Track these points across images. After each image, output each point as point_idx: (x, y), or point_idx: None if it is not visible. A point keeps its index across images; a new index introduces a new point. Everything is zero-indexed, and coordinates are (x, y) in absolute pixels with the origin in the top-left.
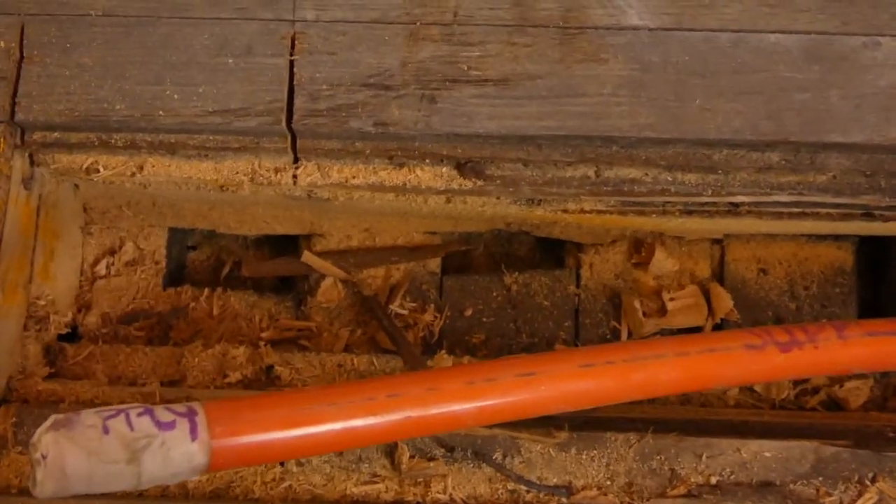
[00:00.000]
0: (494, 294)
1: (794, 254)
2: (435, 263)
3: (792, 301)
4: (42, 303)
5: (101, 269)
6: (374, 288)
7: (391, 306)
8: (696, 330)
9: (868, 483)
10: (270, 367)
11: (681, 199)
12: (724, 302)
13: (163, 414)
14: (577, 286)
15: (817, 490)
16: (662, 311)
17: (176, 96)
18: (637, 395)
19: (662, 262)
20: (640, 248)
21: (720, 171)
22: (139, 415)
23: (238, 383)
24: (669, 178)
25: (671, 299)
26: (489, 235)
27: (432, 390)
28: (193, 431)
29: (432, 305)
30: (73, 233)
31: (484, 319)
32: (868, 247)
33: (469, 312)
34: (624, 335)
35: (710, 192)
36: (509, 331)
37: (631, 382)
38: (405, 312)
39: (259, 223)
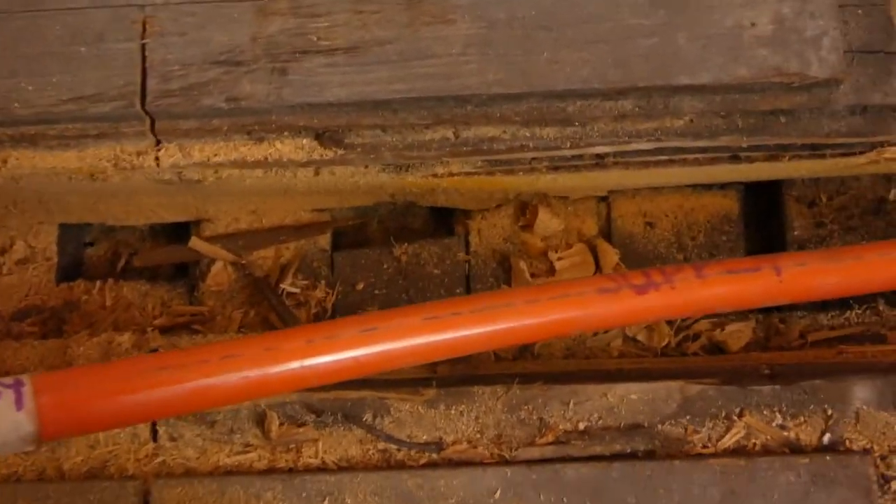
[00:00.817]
0: (385, 266)
1: (679, 205)
2: (325, 240)
3: (679, 252)
4: None
5: None
6: (265, 269)
7: (283, 285)
8: None
9: (735, 418)
10: (155, 351)
11: (543, 153)
12: (611, 257)
13: None
14: (467, 253)
15: (685, 429)
16: (551, 270)
17: (31, 87)
18: (488, 346)
19: (547, 222)
20: (526, 211)
21: (577, 123)
22: None
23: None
24: (528, 134)
25: (559, 259)
26: (384, 210)
27: (270, 350)
28: (19, 401)
29: (323, 282)
30: None
31: (376, 292)
32: (754, 194)
33: (361, 286)
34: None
35: (569, 144)
36: (401, 301)
37: (480, 333)
38: (297, 291)
39: (146, 212)
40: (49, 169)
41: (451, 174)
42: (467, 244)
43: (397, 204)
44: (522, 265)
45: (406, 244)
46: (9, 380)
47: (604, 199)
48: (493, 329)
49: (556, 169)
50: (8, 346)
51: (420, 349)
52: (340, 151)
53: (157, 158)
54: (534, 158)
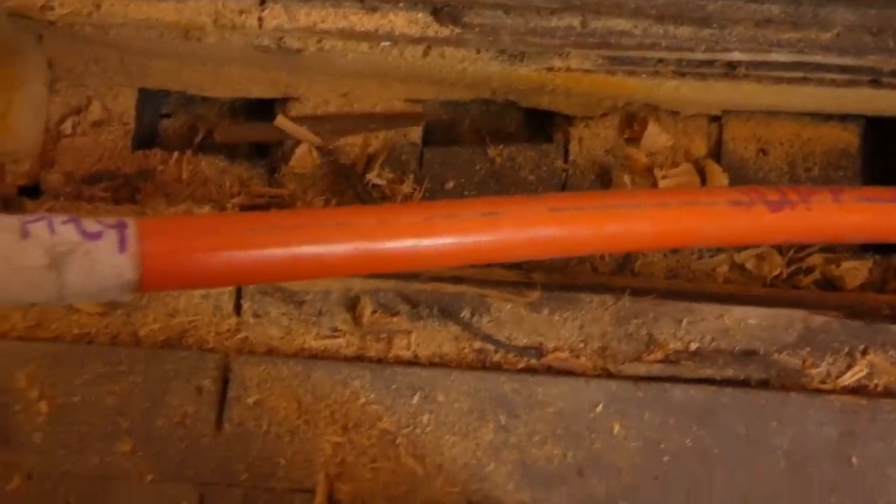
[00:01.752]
0: (477, 167)
1: (796, 134)
2: (416, 133)
3: (792, 184)
4: None
5: (66, 127)
6: (351, 157)
7: (368, 176)
8: None
9: (858, 355)
10: None
11: (673, 54)
12: (720, 180)
13: (90, 224)
14: (565, 161)
15: (803, 361)
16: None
17: None
18: (609, 247)
19: (656, 136)
20: (633, 123)
21: (715, 25)
22: (64, 222)
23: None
24: (661, 31)
25: (663, 177)
26: (476, 110)
27: (385, 223)
28: (122, 243)
29: (411, 177)
30: (35, 87)
31: (465, 193)
32: (874, 131)
33: (450, 185)
34: None
35: (703, 47)
36: None
37: (603, 231)
38: (383, 183)
39: (233, 84)
40: (142, 20)
41: (569, 69)
42: (566, 152)
43: (492, 103)
44: (626, 179)
45: (501, 146)
46: (111, 220)
47: (716, 119)
48: (617, 229)
49: (681, 75)
50: (80, 209)
51: (541, 242)
52: (457, 30)
53: (260, 18)
54: (660, 60)
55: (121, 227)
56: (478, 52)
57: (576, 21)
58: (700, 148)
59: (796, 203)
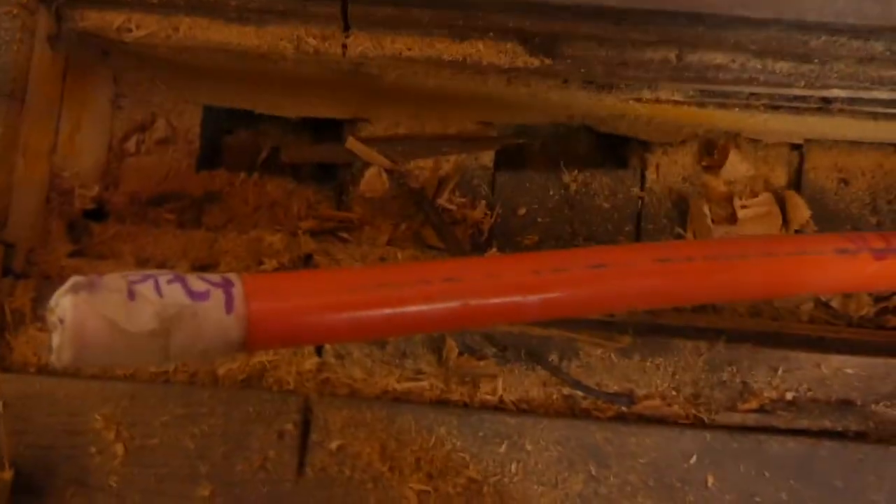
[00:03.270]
0: (551, 193)
1: (878, 164)
2: (488, 157)
3: (873, 215)
4: (66, 175)
5: (130, 145)
6: (422, 180)
7: (439, 200)
8: None
9: None
10: (309, 257)
11: (769, 90)
12: (802, 212)
13: (196, 283)
14: (641, 188)
15: None
16: (732, 218)
17: None
18: (716, 297)
19: (736, 165)
20: (712, 150)
21: (816, 61)
22: (169, 282)
23: (274, 272)
24: (759, 66)
25: (743, 206)
26: (548, 130)
27: (493, 277)
28: (229, 303)
29: (483, 202)
30: (101, 104)
31: (538, 219)
32: None
33: (522, 211)
34: (690, 233)
35: (802, 83)
36: (565, 233)
37: (711, 282)
38: (453, 208)
39: (301, 105)
40: (221, 44)
41: (657, 101)
42: (642, 179)
43: (564, 126)
44: (705, 208)
45: (576, 171)
46: (216, 277)
47: (797, 146)
48: (724, 280)
49: (775, 108)
50: (148, 233)
51: (648, 293)
52: (548, 61)
53: (344, 45)
54: (753, 94)
55: (227, 285)
56: (564, 81)
57: (672, 54)
58: (780, 177)
59: None
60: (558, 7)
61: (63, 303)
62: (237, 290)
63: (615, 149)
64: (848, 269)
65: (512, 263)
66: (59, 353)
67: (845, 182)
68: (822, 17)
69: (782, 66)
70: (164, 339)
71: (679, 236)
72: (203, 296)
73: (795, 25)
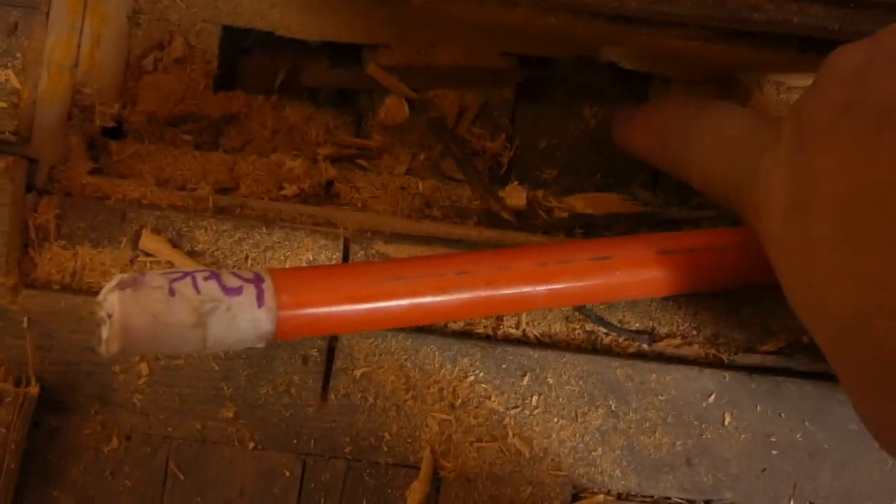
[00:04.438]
0: (571, 127)
1: None
2: (509, 89)
3: None
4: (87, 91)
5: (147, 63)
6: (442, 110)
7: (458, 131)
8: None
9: None
10: (330, 183)
11: (803, 32)
12: None
13: (230, 279)
14: None
15: None
16: None
17: None
18: (722, 286)
19: (763, 105)
20: (735, 91)
21: (851, 4)
22: (206, 279)
23: (295, 197)
24: (794, 7)
25: None
26: (569, 64)
27: (503, 269)
28: (260, 298)
29: (503, 134)
30: (120, 20)
31: (558, 154)
32: None
33: (543, 145)
34: None
35: (836, 25)
36: (583, 168)
37: (710, 273)
38: (473, 139)
39: (324, 27)
40: None
41: (687, 37)
42: None
43: (586, 59)
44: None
45: (597, 106)
46: (248, 274)
47: None
48: (730, 272)
49: (804, 50)
50: (167, 153)
51: (652, 284)
52: None
53: None
54: (786, 35)
55: (258, 281)
56: (595, 15)
57: None
58: None
59: None
60: None
61: (111, 298)
62: (267, 286)
63: (636, 82)
64: None
65: (520, 256)
66: (108, 345)
67: None
68: None
69: (817, 10)
70: (202, 331)
71: None
72: (236, 291)
73: None
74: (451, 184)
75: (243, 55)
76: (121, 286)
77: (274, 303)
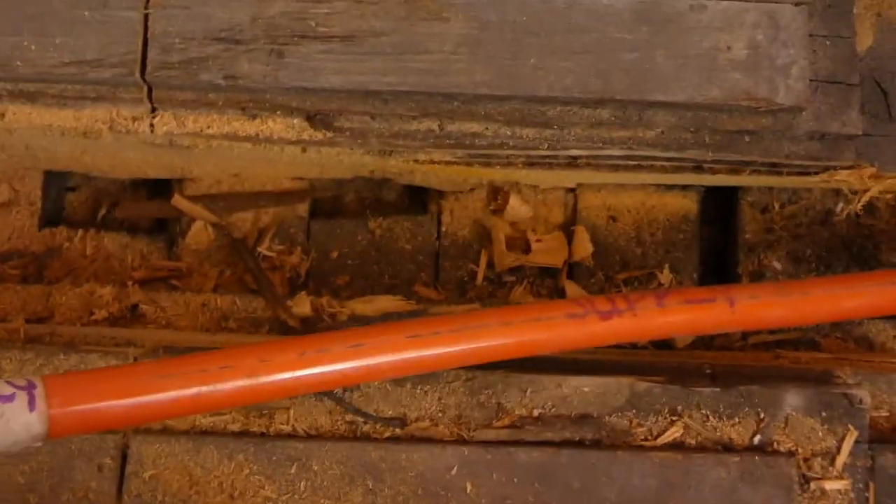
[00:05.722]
0: (359, 238)
1: (642, 202)
2: (303, 208)
3: (638, 247)
4: None
5: None
6: (244, 231)
7: (259, 249)
8: (553, 270)
9: (676, 417)
10: (136, 306)
11: (521, 152)
12: (585, 246)
13: (3, 387)
14: (438, 231)
15: (630, 421)
16: (527, 249)
17: (33, 47)
18: (464, 363)
19: (517, 208)
20: (497, 195)
21: (555, 126)
22: None
23: (104, 321)
24: (508, 133)
25: (537, 240)
26: (360, 181)
27: (264, 361)
28: (31, 403)
29: (299, 248)
30: None
31: (349, 262)
32: (712, 197)
33: (335, 255)
34: (482, 264)
35: (546, 145)
36: (373, 273)
37: (458, 351)
38: (273, 255)
39: (131, 168)
40: (45, 125)
41: (432, 161)
42: (439, 222)
43: (374, 178)
44: (501, 235)
45: (381, 218)
46: (21, 381)
47: (571, 189)
48: (469, 348)
49: (531, 165)
50: None
51: (402, 365)
52: (329, 134)
53: (151, 125)
54: (511, 155)
55: (30, 387)
56: (350, 149)
57: (434, 125)
58: (558, 217)
59: (624, 311)
60: (333, 91)
61: None
62: (38, 391)
63: (419, 195)
64: (577, 331)
65: (281, 348)
66: None
67: (614, 219)
68: (553, 92)
69: (528, 132)
70: None
71: (473, 273)
72: (9, 398)
73: (532, 99)
74: (248, 297)
75: (70, 192)
76: None
77: (45, 406)
